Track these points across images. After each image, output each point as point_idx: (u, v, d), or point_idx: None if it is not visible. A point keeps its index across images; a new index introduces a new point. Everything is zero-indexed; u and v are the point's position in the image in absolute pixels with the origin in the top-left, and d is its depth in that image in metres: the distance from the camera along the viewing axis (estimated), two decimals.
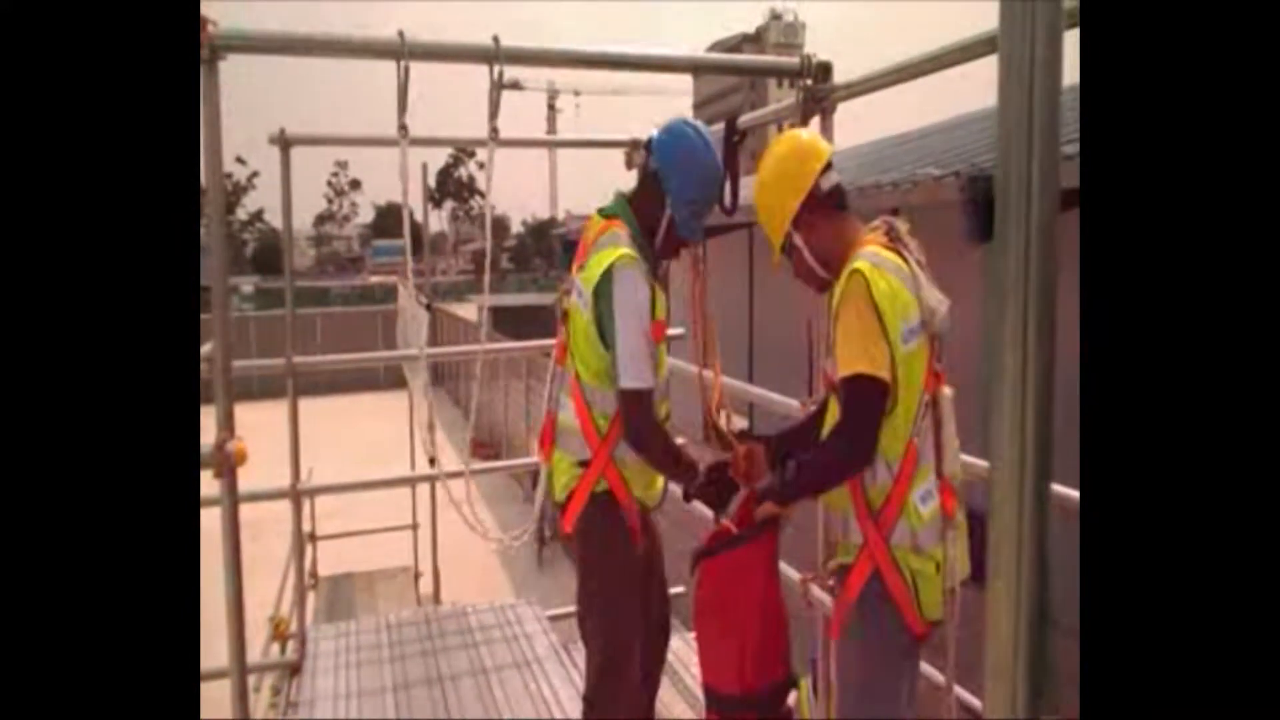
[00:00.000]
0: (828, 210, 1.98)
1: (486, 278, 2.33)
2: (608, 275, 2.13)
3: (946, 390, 1.90)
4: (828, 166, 1.98)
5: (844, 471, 1.86)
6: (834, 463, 1.88)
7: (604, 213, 2.32)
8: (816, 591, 2.38)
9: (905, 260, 1.88)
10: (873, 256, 1.86)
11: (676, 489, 2.36)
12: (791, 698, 2.18)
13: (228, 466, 2.01)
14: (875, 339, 1.77)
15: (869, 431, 1.80)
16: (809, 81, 2.52)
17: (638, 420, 2.13)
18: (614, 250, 2.16)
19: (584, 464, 2.23)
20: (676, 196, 2.21)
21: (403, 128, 2.24)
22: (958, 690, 2.11)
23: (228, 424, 2.05)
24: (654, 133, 2.29)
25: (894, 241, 1.93)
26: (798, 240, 1.98)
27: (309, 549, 9.16)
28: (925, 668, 2.34)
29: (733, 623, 2.05)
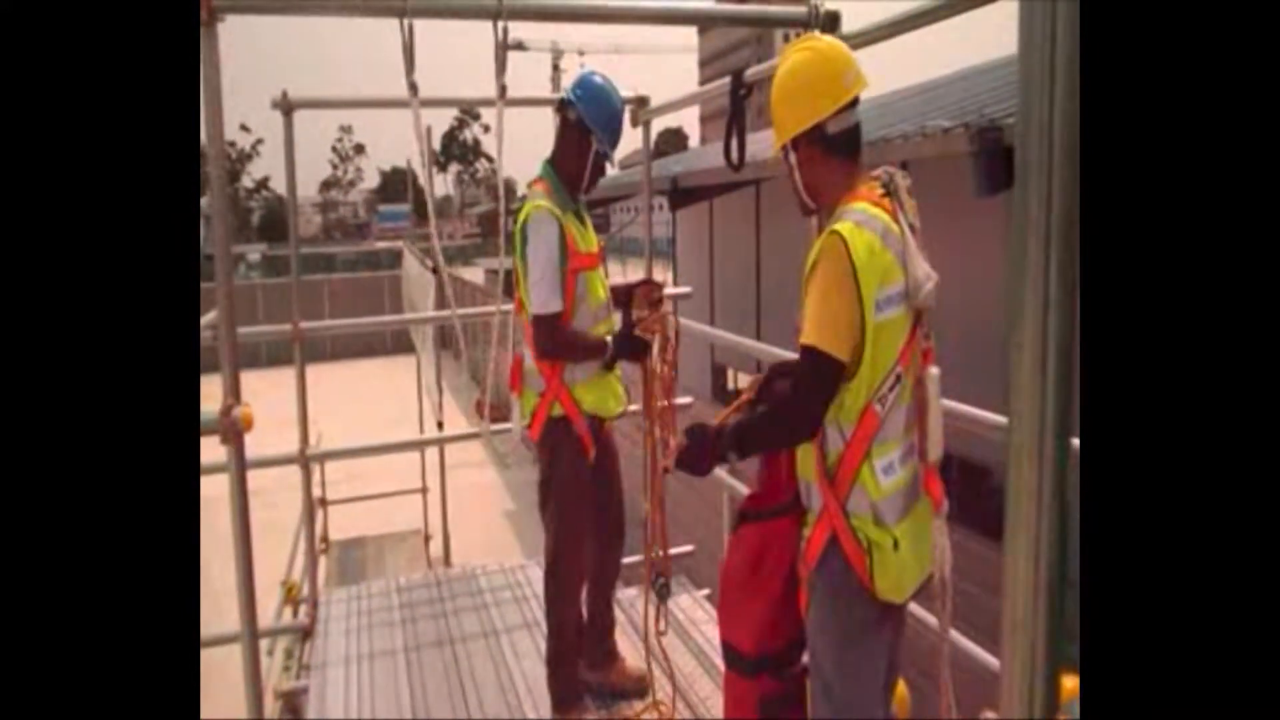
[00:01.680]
0: (830, 149, 1.86)
1: (503, 240, 2.35)
2: (522, 227, 2.56)
3: (933, 370, 1.82)
4: (850, 104, 1.84)
5: (783, 440, 1.85)
6: (775, 429, 1.86)
7: (539, 174, 2.72)
8: None
9: (897, 221, 1.79)
10: (860, 215, 1.76)
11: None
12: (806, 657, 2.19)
13: (234, 432, 2.01)
14: (844, 313, 1.71)
15: (814, 407, 1.76)
16: (817, 32, 2.46)
17: (541, 340, 2.53)
18: (527, 205, 2.58)
19: (541, 394, 2.66)
20: (596, 121, 2.61)
21: (413, 86, 2.19)
22: (960, 639, 2.09)
23: (234, 391, 2.04)
24: (566, 92, 2.70)
25: (889, 197, 1.83)
26: (792, 160, 1.89)
27: (319, 514, 9.26)
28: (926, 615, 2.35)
29: (762, 585, 2.03)
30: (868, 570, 1.77)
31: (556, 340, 2.55)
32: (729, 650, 2.11)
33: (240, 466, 2.11)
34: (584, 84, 2.70)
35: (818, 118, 1.83)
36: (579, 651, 2.84)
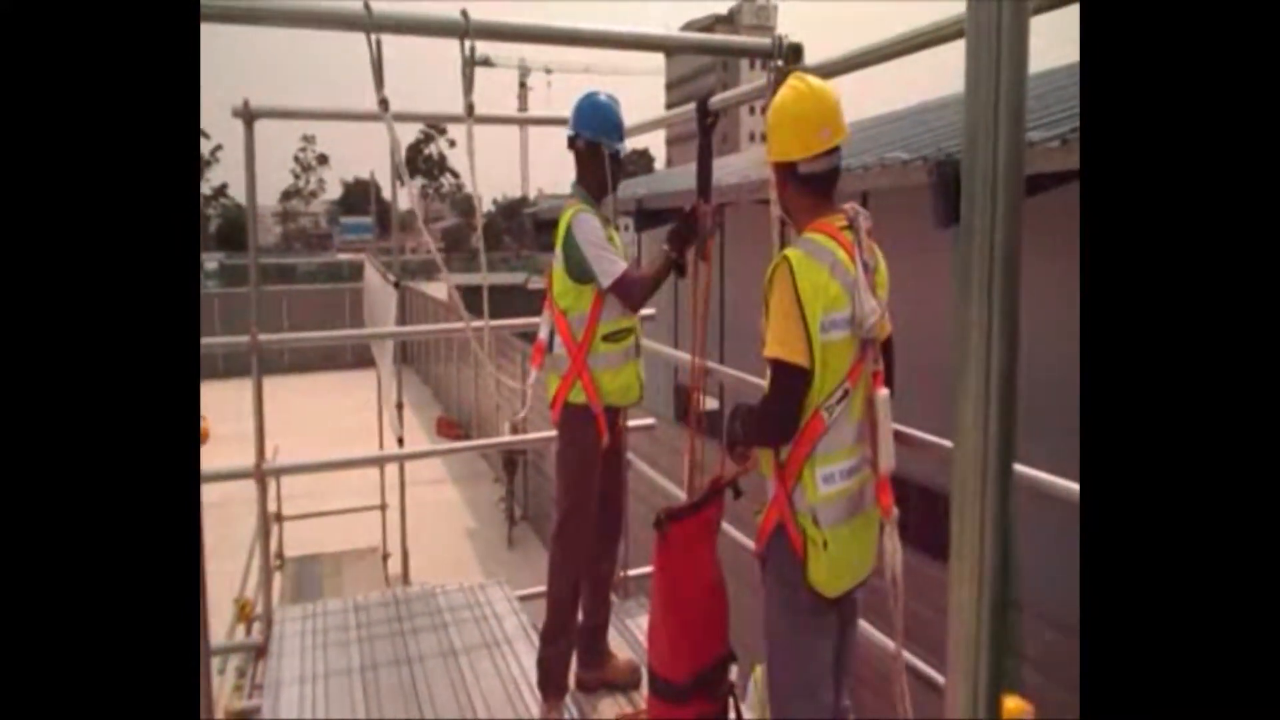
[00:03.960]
0: (801, 185, 2.02)
1: (483, 256, 2.48)
2: (568, 228, 2.75)
3: (883, 392, 1.96)
4: (829, 152, 1.98)
5: (765, 439, 2.00)
6: (756, 431, 2.01)
7: (570, 194, 2.91)
8: None
9: (852, 257, 1.93)
10: (813, 246, 1.93)
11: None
12: (733, 673, 2.25)
13: None
14: (793, 327, 1.87)
15: (786, 411, 1.91)
16: (780, 63, 2.52)
17: (632, 294, 2.74)
18: (566, 211, 2.79)
19: (564, 376, 2.83)
20: (598, 130, 2.81)
21: (383, 101, 2.20)
22: (909, 658, 2.14)
23: None
24: (568, 130, 2.89)
25: (850, 230, 1.97)
26: (774, 180, 2.09)
27: (274, 530, 9.09)
28: (876, 635, 2.39)
29: (678, 599, 2.14)
30: (803, 560, 1.94)
31: (638, 288, 2.75)
32: (659, 682, 2.19)
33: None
34: (576, 112, 2.88)
35: (789, 159, 1.99)
36: (573, 632, 2.96)
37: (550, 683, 2.91)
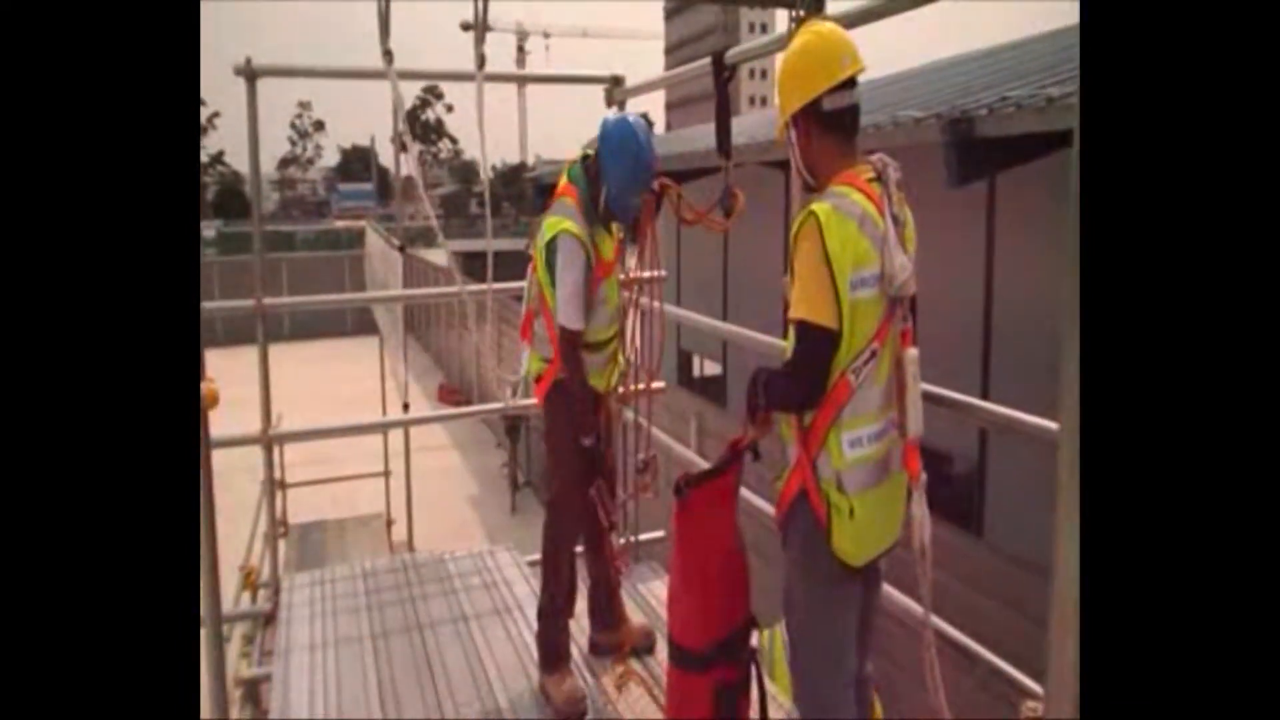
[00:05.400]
0: (826, 126, 1.92)
1: (489, 222, 2.36)
2: (551, 244, 2.62)
3: (912, 351, 1.87)
4: (847, 84, 1.90)
5: (790, 404, 1.92)
6: (780, 396, 1.93)
7: (569, 174, 2.72)
8: None
9: (881, 211, 1.84)
10: (840, 199, 1.83)
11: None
12: (754, 639, 2.22)
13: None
14: (822, 287, 1.78)
15: (813, 375, 1.83)
16: (800, 13, 2.42)
17: (564, 350, 2.71)
18: (558, 222, 2.63)
19: (548, 360, 2.80)
20: (608, 180, 2.60)
21: (387, 53, 2.10)
22: (938, 622, 2.10)
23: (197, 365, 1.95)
24: (606, 117, 2.68)
25: (879, 182, 1.88)
26: (792, 137, 1.97)
27: (279, 497, 9.09)
28: (900, 598, 2.36)
29: (699, 566, 2.09)
30: (827, 528, 1.87)
31: (572, 354, 2.72)
32: (679, 650, 2.15)
33: (205, 445, 2.02)
34: (612, 127, 2.60)
35: (815, 93, 1.90)
36: (570, 608, 2.94)
37: (549, 656, 2.87)
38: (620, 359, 2.91)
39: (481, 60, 2.12)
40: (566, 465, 2.83)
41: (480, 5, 2.08)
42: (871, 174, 1.90)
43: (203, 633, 2.13)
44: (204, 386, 1.91)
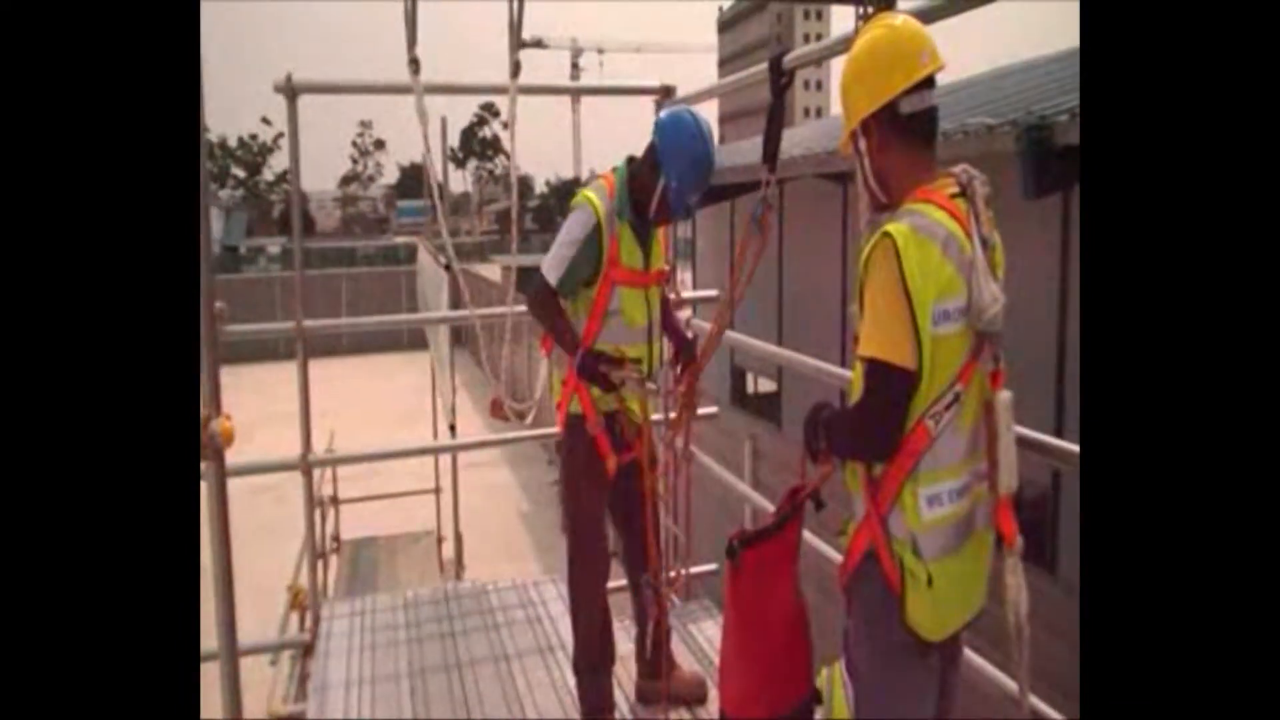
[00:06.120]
0: (903, 133, 1.67)
1: (515, 230, 2.29)
2: (568, 210, 2.53)
3: (1004, 395, 1.62)
4: (924, 84, 1.65)
5: (858, 453, 1.68)
6: (846, 444, 1.71)
7: (614, 170, 2.63)
8: None
9: (968, 232, 1.58)
10: (920, 219, 1.57)
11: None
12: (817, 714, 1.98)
13: (213, 448, 1.78)
14: (898, 320, 1.53)
15: (886, 422, 1.58)
16: (869, 9, 2.21)
17: (531, 292, 2.54)
18: (580, 192, 2.53)
19: (564, 383, 2.63)
20: (667, 175, 2.46)
21: (413, 61, 1.97)
22: (1038, 703, 1.85)
23: (213, 400, 1.82)
24: (662, 113, 2.61)
25: (964, 198, 1.63)
26: (861, 147, 1.71)
27: (331, 512, 9.08)
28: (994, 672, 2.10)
29: (758, 636, 1.86)
30: (900, 596, 1.62)
31: (543, 303, 2.54)
32: None
33: (220, 483, 1.88)
34: (671, 119, 2.52)
35: (891, 94, 1.64)
36: (607, 658, 2.78)
37: (592, 711, 2.72)
38: (649, 383, 2.68)
39: (515, 68, 1.97)
40: (581, 511, 2.67)
41: (514, 11, 1.92)
42: (955, 188, 1.64)
43: (220, 668, 1.99)
44: (218, 423, 1.78)
